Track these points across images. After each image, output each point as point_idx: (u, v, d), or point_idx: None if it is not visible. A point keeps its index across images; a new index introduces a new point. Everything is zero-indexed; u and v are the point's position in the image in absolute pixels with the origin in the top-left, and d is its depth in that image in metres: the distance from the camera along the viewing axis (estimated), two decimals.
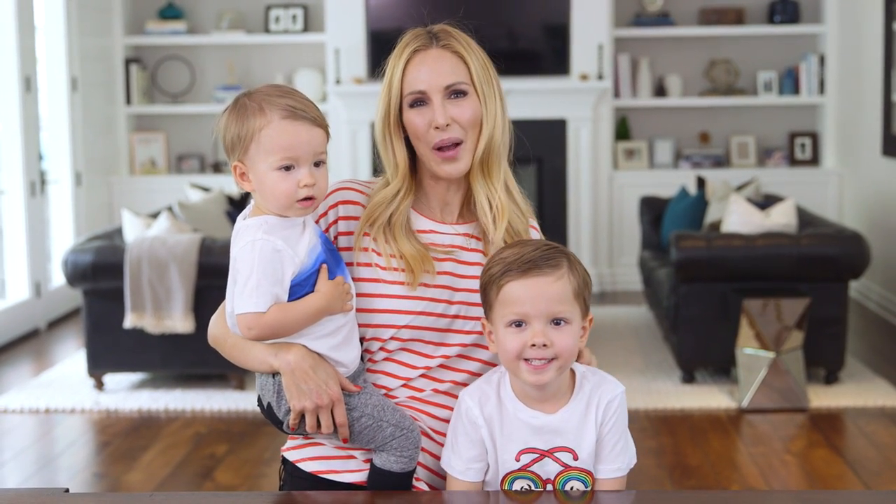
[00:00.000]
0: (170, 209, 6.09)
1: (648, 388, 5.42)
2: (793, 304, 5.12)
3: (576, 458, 1.91)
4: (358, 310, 2.01)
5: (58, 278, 7.28)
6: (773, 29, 8.01)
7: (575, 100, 7.81)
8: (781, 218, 5.65)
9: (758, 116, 8.28)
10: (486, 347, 2.03)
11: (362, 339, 2.04)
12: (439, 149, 2.01)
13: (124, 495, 2.24)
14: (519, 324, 1.86)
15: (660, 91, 8.24)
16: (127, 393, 5.50)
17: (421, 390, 2.03)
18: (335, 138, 7.90)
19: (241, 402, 5.29)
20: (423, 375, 2.03)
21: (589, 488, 1.93)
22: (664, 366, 5.83)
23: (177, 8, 8.28)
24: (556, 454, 1.91)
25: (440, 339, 2.03)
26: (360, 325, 2.02)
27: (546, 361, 1.85)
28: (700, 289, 5.43)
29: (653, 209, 7.06)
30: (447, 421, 2.00)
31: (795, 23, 8.04)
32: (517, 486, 1.92)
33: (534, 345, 1.84)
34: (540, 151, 7.71)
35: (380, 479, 1.96)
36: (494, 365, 2.03)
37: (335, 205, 2.07)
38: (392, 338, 2.02)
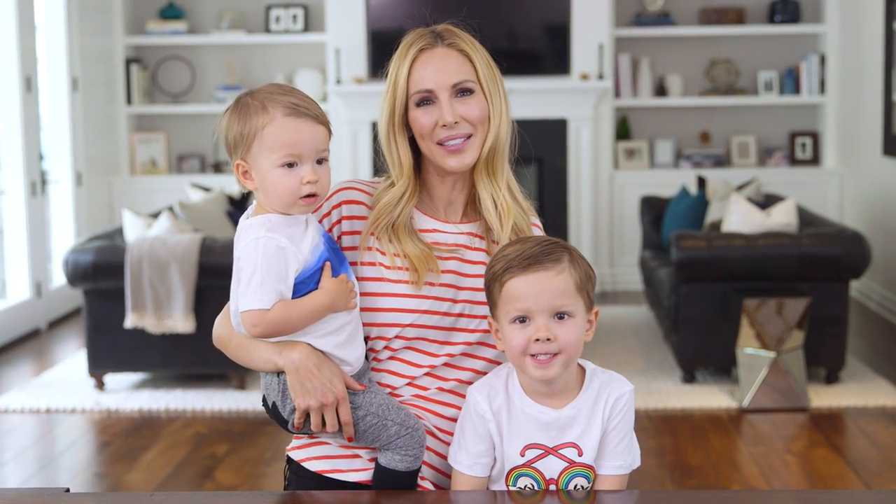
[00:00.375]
0: (170, 209, 6.09)
1: (649, 388, 5.42)
2: (793, 303, 5.12)
3: (580, 454, 1.92)
4: (362, 309, 2.01)
5: (58, 278, 7.28)
6: (774, 28, 8.01)
7: (575, 99, 7.81)
8: (782, 218, 5.65)
9: (758, 116, 8.28)
10: (491, 346, 2.04)
11: (367, 338, 2.04)
12: (445, 144, 2.02)
13: (125, 495, 2.24)
14: (523, 319, 1.87)
15: (660, 91, 8.24)
16: (128, 393, 5.50)
17: (426, 389, 2.04)
18: (336, 138, 7.88)
19: (241, 401, 5.28)
20: (427, 374, 2.04)
21: (592, 483, 1.93)
22: (665, 366, 5.83)
23: (177, 8, 8.28)
24: (560, 451, 1.91)
25: (445, 337, 2.03)
26: (364, 325, 2.02)
27: (551, 356, 1.86)
28: (701, 289, 5.43)
29: (653, 209, 7.06)
30: (452, 420, 2.01)
31: (796, 22, 8.04)
32: (521, 483, 1.93)
33: (538, 339, 1.85)
34: (540, 151, 7.71)
35: (385, 478, 1.96)
36: (499, 363, 2.03)
37: (339, 204, 2.08)
38: (397, 336, 2.03)
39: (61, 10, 7.41)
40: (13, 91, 6.74)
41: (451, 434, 2.00)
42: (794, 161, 8.21)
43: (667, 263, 6.10)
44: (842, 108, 7.94)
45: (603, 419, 1.92)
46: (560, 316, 1.87)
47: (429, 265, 2.02)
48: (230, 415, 5.18)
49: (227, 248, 5.22)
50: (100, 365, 5.51)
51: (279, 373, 1.95)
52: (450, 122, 2.00)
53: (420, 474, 2.00)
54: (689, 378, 5.53)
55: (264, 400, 2.01)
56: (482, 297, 2.00)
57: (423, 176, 2.09)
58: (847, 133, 7.86)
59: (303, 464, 2.05)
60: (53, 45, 7.44)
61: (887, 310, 7.01)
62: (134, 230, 5.66)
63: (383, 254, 2.04)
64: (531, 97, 7.63)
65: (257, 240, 1.89)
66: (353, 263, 2.04)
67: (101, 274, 5.36)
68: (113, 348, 5.47)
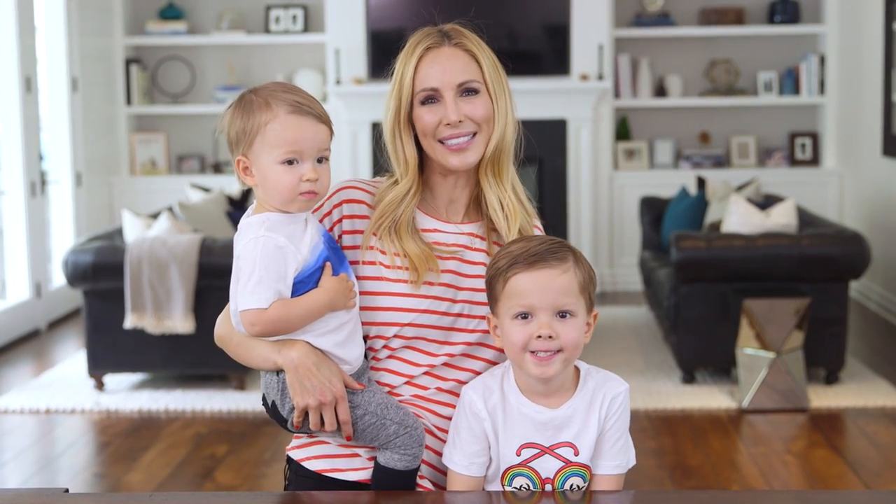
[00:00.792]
0: (170, 209, 6.09)
1: (649, 389, 5.42)
2: (793, 304, 5.12)
3: (577, 454, 1.92)
4: (362, 307, 2.01)
5: (58, 279, 7.27)
6: (774, 29, 8.01)
7: (575, 100, 7.81)
8: (782, 218, 5.65)
9: (758, 116, 8.28)
10: (490, 347, 2.05)
11: (366, 337, 2.04)
12: (448, 142, 2.02)
13: (124, 495, 2.24)
14: (525, 316, 1.88)
15: (660, 91, 8.24)
16: (127, 393, 5.50)
17: (425, 388, 2.04)
18: (336, 139, 7.85)
19: (241, 402, 5.28)
20: (426, 373, 2.04)
21: (588, 482, 1.93)
22: (664, 366, 5.83)
23: (177, 8, 8.28)
24: (556, 450, 1.92)
25: (444, 337, 2.04)
26: (364, 323, 2.02)
27: (551, 353, 1.87)
28: (700, 289, 5.43)
29: (653, 209, 7.06)
30: (451, 419, 2.00)
31: (796, 23, 8.04)
32: (516, 483, 1.93)
33: (540, 336, 1.86)
34: (540, 152, 7.70)
35: (384, 478, 1.97)
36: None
37: (340, 204, 2.08)
38: (396, 336, 2.03)
39: (61, 10, 7.41)
40: (13, 91, 6.74)
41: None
42: (793, 161, 8.21)
43: (666, 264, 6.10)
44: (841, 109, 7.94)
45: (599, 419, 1.92)
46: (562, 315, 1.88)
47: (429, 265, 2.02)
48: (230, 415, 5.18)
49: (227, 249, 5.22)
50: (99, 365, 5.51)
51: (278, 371, 1.95)
52: (453, 120, 2.00)
53: (419, 473, 2.00)
54: (689, 378, 5.53)
55: (264, 399, 2.01)
56: (481, 297, 2.01)
57: (426, 175, 2.10)
58: (847, 133, 7.86)
59: (302, 463, 2.05)
60: (53, 45, 7.44)
61: (887, 310, 7.01)
62: (133, 231, 5.66)
63: (384, 253, 2.05)
64: (531, 97, 7.63)
65: (256, 239, 1.89)
66: (354, 262, 2.04)
67: (101, 274, 5.36)
68: (112, 349, 5.47)
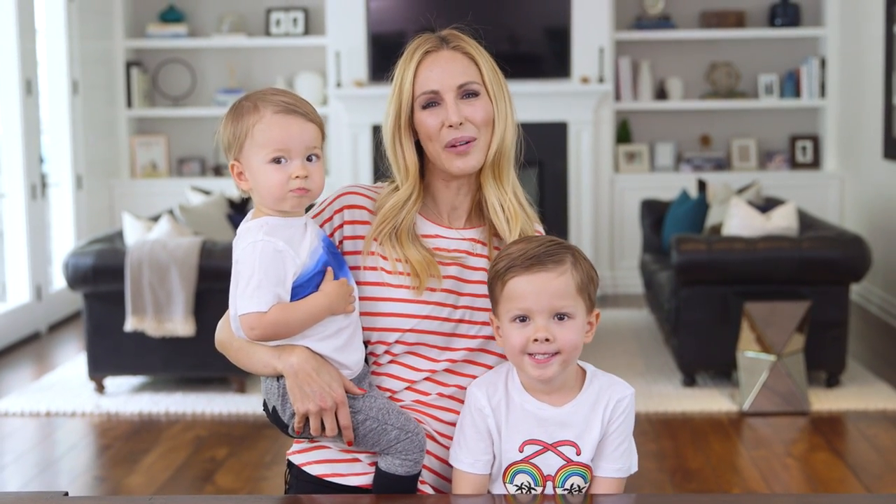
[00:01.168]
0: (170, 212, 6.09)
1: (649, 392, 5.42)
2: (794, 307, 5.11)
3: (578, 453, 1.93)
4: (363, 313, 2.01)
5: (58, 281, 7.27)
6: (774, 32, 8.01)
7: (576, 103, 7.81)
8: (782, 221, 5.65)
9: (759, 119, 8.28)
10: (492, 353, 2.05)
11: (367, 343, 2.04)
12: (451, 146, 2.02)
13: (124, 499, 2.24)
14: (523, 319, 1.89)
15: (661, 94, 8.24)
16: (127, 396, 5.50)
17: (426, 394, 2.04)
18: (336, 142, 7.90)
19: (241, 405, 5.28)
20: (427, 379, 2.04)
21: (589, 483, 1.94)
22: (665, 369, 5.83)
23: (177, 11, 8.29)
24: (559, 448, 1.92)
25: (445, 343, 2.04)
26: (365, 329, 2.02)
27: (549, 356, 1.88)
28: (701, 292, 5.43)
29: (654, 212, 7.06)
30: (452, 424, 2.01)
31: (796, 26, 8.04)
32: (518, 480, 1.93)
33: (536, 339, 1.87)
34: (541, 155, 7.69)
35: (385, 483, 1.97)
36: None
37: (340, 209, 2.08)
38: (397, 341, 2.03)
39: (61, 13, 7.41)
40: (13, 94, 6.74)
41: (451, 438, 2.00)
42: (794, 164, 8.21)
43: (667, 267, 6.10)
44: (842, 112, 7.94)
45: (603, 420, 1.93)
46: (560, 317, 1.89)
47: (430, 271, 2.02)
48: (230, 418, 5.18)
49: (228, 252, 5.22)
50: (100, 368, 5.50)
51: (279, 377, 1.95)
52: (455, 122, 2.00)
53: (420, 478, 2.00)
54: (690, 381, 5.52)
55: (265, 404, 2.00)
56: (483, 303, 2.02)
57: (428, 180, 2.10)
58: (847, 136, 7.86)
59: (303, 468, 2.05)
60: (54, 48, 7.44)
61: (888, 313, 7.01)
62: (134, 233, 5.66)
63: (385, 258, 2.05)
64: (532, 100, 7.63)
65: (255, 243, 1.89)
66: (356, 268, 2.04)
67: (101, 277, 5.36)
68: (113, 351, 5.46)
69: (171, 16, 8.25)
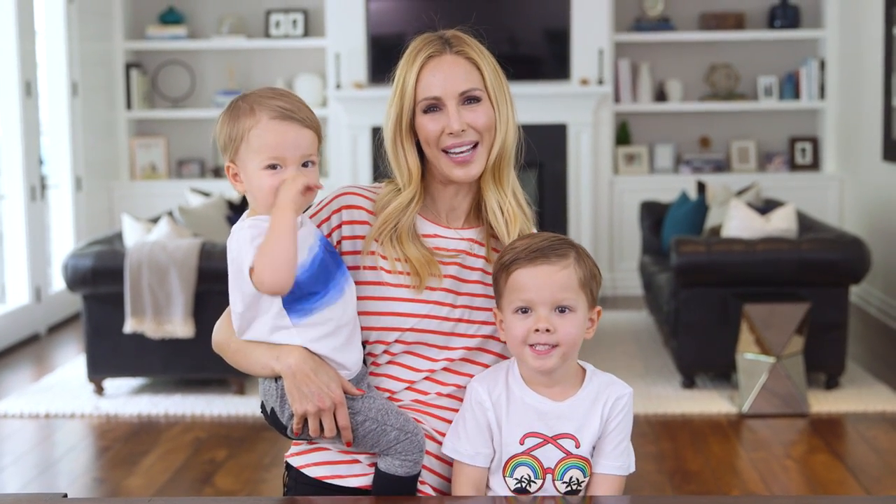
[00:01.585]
0: (170, 214, 6.09)
1: (649, 393, 5.42)
2: (793, 308, 5.11)
3: (577, 446, 1.95)
4: (362, 313, 2.01)
5: (58, 283, 7.27)
6: (774, 34, 8.01)
7: (575, 104, 7.81)
8: (782, 223, 5.65)
9: (758, 121, 8.29)
10: (490, 352, 2.07)
11: (366, 343, 2.04)
12: (452, 152, 2.02)
13: (123, 500, 2.24)
14: (525, 310, 1.92)
15: (660, 96, 8.24)
16: (127, 398, 5.50)
17: (425, 393, 2.04)
18: (336, 143, 7.90)
19: (241, 406, 5.28)
20: (426, 378, 2.04)
21: (587, 478, 1.96)
22: (664, 371, 5.83)
23: (177, 13, 8.29)
24: (559, 440, 1.94)
25: (444, 342, 2.04)
26: (364, 329, 2.02)
27: (549, 347, 1.91)
28: (700, 294, 5.43)
29: (653, 214, 7.06)
30: (451, 423, 2.02)
31: (796, 27, 8.05)
32: (518, 473, 1.95)
33: (537, 330, 1.90)
34: (540, 156, 7.70)
35: (385, 483, 1.97)
36: None
37: (339, 209, 2.08)
38: (396, 341, 2.03)
39: (61, 14, 7.41)
40: (13, 96, 6.74)
41: None
42: (793, 166, 8.21)
43: (666, 268, 6.10)
44: (841, 114, 7.94)
45: (602, 416, 1.95)
46: (561, 309, 1.92)
47: (431, 269, 2.03)
48: (229, 420, 5.18)
49: (226, 253, 5.21)
50: (99, 370, 5.50)
51: (277, 378, 1.95)
52: (456, 129, 2.00)
53: (420, 479, 2.00)
54: (689, 383, 5.52)
55: (263, 406, 2.00)
56: (481, 302, 2.04)
57: (427, 181, 2.09)
58: (847, 138, 7.86)
59: (302, 470, 2.05)
60: (53, 49, 7.44)
61: (887, 315, 7.01)
62: (133, 235, 5.66)
63: (385, 258, 2.05)
64: (531, 102, 7.64)
65: (241, 230, 1.90)
66: (355, 268, 2.04)
67: (101, 279, 5.36)
68: (112, 353, 5.46)
69: (170, 17, 8.25)
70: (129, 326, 5.34)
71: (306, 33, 8.19)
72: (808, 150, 8.20)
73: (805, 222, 5.95)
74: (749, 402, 5.11)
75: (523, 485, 1.95)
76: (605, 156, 7.96)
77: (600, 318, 1.99)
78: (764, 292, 5.29)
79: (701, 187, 6.85)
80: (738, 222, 5.71)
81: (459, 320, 2.04)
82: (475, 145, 2.03)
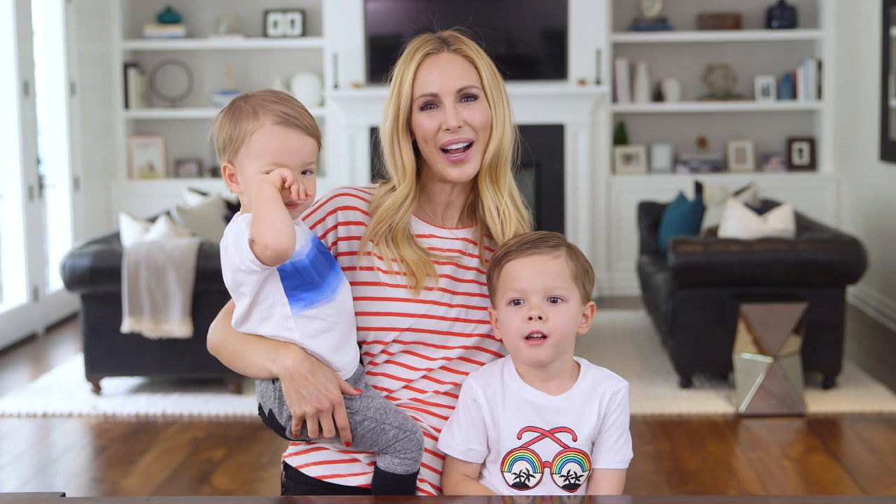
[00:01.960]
0: (168, 213, 6.09)
1: (646, 393, 5.42)
2: (790, 309, 5.12)
3: (574, 439, 1.96)
4: (360, 313, 2.02)
5: (56, 282, 7.27)
6: (771, 34, 8.02)
7: (573, 105, 7.82)
8: (779, 223, 5.66)
9: (755, 121, 8.29)
10: (487, 350, 2.08)
11: (363, 343, 2.05)
12: (448, 151, 2.02)
13: (121, 500, 2.24)
14: (517, 302, 1.94)
15: (658, 96, 8.25)
16: (124, 397, 5.50)
17: (423, 392, 2.05)
18: (333, 143, 7.91)
19: (238, 406, 5.28)
20: (424, 377, 2.05)
21: (586, 471, 1.97)
22: (662, 371, 5.83)
23: (175, 12, 8.29)
24: (556, 434, 1.96)
25: (442, 341, 2.04)
26: (361, 328, 2.03)
27: (542, 337, 1.92)
28: (698, 294, 5.43)
29: (650, 214, 7.06)
30: None
31: (793, 28, 8.05)
32: (517, 467, 1.96)
33: (531, 318, 1.92)
34: (538, 156, 7.71)
35: (384, 482, 1.97)
36: None
37: (334, 210, 2.08)
38: (394, 341, 2.03)
39: (59, 14, 7.41)
40: (11, 95, 6.74)
41: None
42: (791, 166, 8.22)
43: (664, 268, 6.10)
44: (839, 114, 7.95)
45: (599, 411, 1.97)
46: (553, 300, 1.94)
47: (427, 270, 2.03)
48: (227, 419, 5.18)
49: None
50: (97, 369, 5.50)
51: (274, 380, 1.95)
52: (453, 125, 2.01)
53: (419, 477, 2.00)
54: (686, 383, 5.53)
55: (260, 408, 2.00)
56: (477, 301, 2.05)
57: (423, 180, 2.10)
58: (844, 138, 7.87)
59: (301, 470, 2.05)
60: (51, 49, 7.44)
61: (884, 315, 7.02)
62: (131, 234, 5.66)
63: (381, 258, 2.05)
64: (529, 102, 7.64)
65: (236, 223, 1.90)
66: (351, 269, 2.05)
67: (99, 278, 5.36)
68: (110, 353, 5.46)
69: (168, 17, 8.25)
70: (127, 326, 5.34)
71: (304, 33, 8.19)
72: (805, 151, 8.21)
73: (802, 222, 5.95)
74: (746, 401, 5.12)
75: (522, 479, 1.96)
76: (603, 156, 7.97)
77: (595, 315, 2.00)
78: (761, 292, 5.29)
79: (698, 187, 6.86)
80: (735, 222, 5.71)
81: (456, 319, 2.05)
82: (470, 144, 2.03)
